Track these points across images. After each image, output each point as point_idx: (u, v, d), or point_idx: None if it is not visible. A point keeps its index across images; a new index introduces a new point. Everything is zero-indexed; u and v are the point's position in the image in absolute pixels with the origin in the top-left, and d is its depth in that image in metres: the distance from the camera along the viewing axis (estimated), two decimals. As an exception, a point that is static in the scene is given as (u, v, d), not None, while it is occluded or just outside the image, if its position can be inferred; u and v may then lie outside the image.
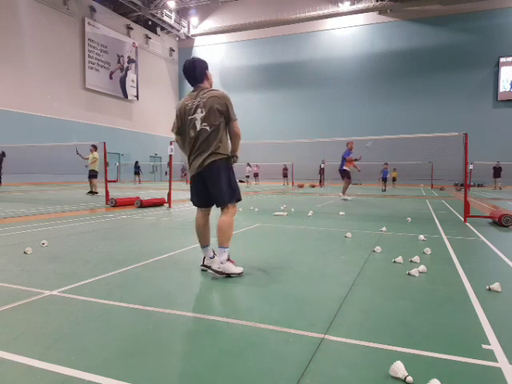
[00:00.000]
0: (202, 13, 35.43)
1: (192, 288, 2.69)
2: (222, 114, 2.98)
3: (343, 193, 11.88)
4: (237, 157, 3.11)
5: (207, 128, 2.97)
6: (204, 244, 3.16)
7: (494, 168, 23.28)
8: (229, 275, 2.93)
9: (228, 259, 2.97)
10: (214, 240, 3.18)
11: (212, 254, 3.13)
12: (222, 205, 3.04)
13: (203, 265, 3.12)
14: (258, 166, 25.78)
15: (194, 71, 3.08)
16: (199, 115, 2.99)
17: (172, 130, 3.20)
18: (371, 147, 11.66)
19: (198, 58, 3.16)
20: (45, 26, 24.09)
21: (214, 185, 2.99)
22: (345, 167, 11.68)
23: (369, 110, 30.65)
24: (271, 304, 2.37)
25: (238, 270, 2.99)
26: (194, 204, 3.19)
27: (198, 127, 2.99)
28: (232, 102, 3.04)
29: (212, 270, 2.99)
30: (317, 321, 2.09)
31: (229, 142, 3.09)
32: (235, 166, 3.20)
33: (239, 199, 3.12)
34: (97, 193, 12.54)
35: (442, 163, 23.64)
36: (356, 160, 11.67)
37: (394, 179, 24.56)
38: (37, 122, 23.32)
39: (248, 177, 24.67)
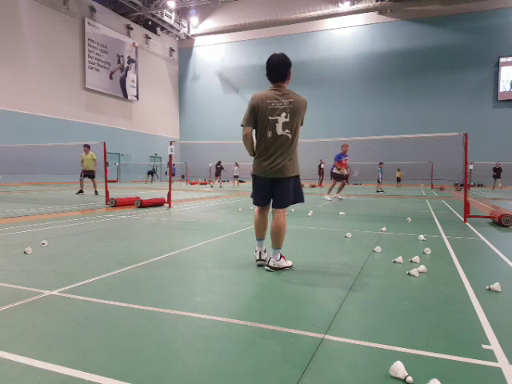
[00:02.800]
0: (201, 13, 35.43)
1: (192, 288, 2.69)
2: (300, 120, 3.01)
3: (337, 192, 11.89)
4: None
5: (288, 135, 2.96)
6: (261, 237, 3.26)
7: (494, 169, 23.29)
8: (283, 268, 3.11)
9: (281, 256, 3.14)
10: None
11: (265, 247, 3.28)
12: (282, 208, 3.14)
13: (260, 259, 3.24)
14: None
15: (283, 68, 2.97)
16: (282, 119, 2.92)
17: (243, 124, 3.09)
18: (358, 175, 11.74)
19: (286, 55, 3.02)
20: (45, 26, 24.09)
21: (281, 191, 3.07)
22: (334, 170, 11.65)
23: (369, 109, 30.66)
24: (271, 304, 2.37)
25: (289, 263, 3.20)
26: (255, 203, 3.25)
27: (279, 132, 2.95)
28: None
29: (269, 266, 3.10)
30: (317, 321, 2.09)
31: (296, 159, 3.10)
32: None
33: (301, 201, 3.26)
34: (82, 191, 12.55)
35: (442, 163, 23.67)
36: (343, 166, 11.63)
37: (398, 179, 24.59)
38: (37, 122, 23.32)
39: (236, 177, 24.49)
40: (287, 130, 2.93)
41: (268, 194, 3.12)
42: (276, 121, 2.93)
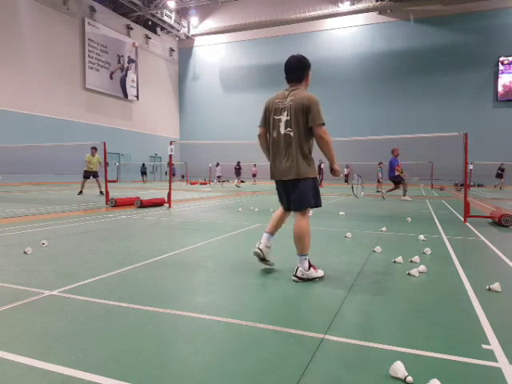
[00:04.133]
0: (202, 13, 35.43)
1: (192, 288, 2.69)
2: (306, 119, 2.83)
3: (404, 195, 12.18)
4: (333, 169, 2.98)
5: (290, 133, 2.87)
6: (269, 230, 3.13)
7: (499, 169, 23.32)
8: (313, 279, 2.87)
9: (310, 265, 2.89)
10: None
11: (266, 242, 3.11)
12: (300, 210, 2.96)
13: (259, 248, 3.07)
14: (256, 166, 25.79)
15: (297, 69, 2.94)
16: (284, 118, 2.89)
17: (259, 125, 3.12)
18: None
19: (305, 56, 2.98)
20: (45, 26, 24.09)
21: (296, 194, 2.93)
22: (397, 173, 12.13)
23: (368, 109, 30.65)
24: (271, 304, 2.37)
25: (321, 273, 2.93)
26: (280, 201, 3.19)
27: (282, 131, 2.91)
28: (320, 106, 2.85)
29: (295, 276, 2.86)
30: (317, 321, 2.08)
31: (310, 157, 2.95)
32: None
33: (319, 206, 3.04)
34: (81, 192, 12.55)
35: (442, 163, 23.65)
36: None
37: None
38: (37, 122, 23.32)
39: (219, 177, 24.65)
40: (289, 129, 2.88)
41: (285, 197, 3.05)
42: (280, 120, 2.92)
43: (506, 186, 23.94)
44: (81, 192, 12.54)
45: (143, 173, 28.88)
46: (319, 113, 2.81)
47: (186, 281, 2.87)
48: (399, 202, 11.47)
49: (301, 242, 2.87)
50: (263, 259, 3.11)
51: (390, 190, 12.47)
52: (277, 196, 3.21)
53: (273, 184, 3.32)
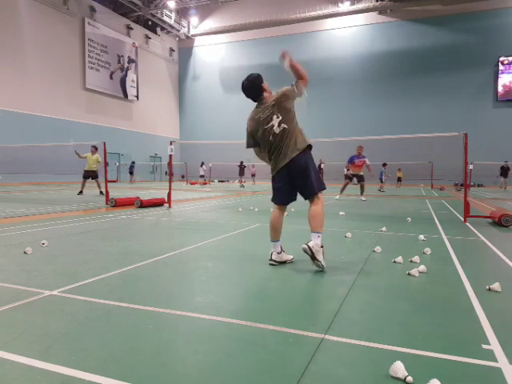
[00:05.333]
0: (202, 13, 35.43)
1: (192, 288, 2.69)
2: (291, 102, 3.19)
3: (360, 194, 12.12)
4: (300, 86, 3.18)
5: (285, 127, 3.16)
6: (276, 238, 3.32)
7: (502, 168, 23.27)
8: (315, 259, 3.02)
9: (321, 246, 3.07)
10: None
11: (280, 249, 3.32)
12: (312, 195, 3.20)
13: (271, 259, 3.28)
14: (255, 166, 25.78)
15: (252, 91, 3.29)
16: (276, 121, 3.16)
17: (247, 147, 3.43)
18: None
19: (253, 77, 3.30)
20: (45, 26, 24.09)
21: (302, 176, 3.15)
22: (346, 171, 12.08)
23: (368, 109, 30.65)
24: (271, 304, 2.37)
25: (323, 260, 3.08)
26: (276, 203, 3.37)
27: (277, 131, 3.16)
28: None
29: (307, 245, 3.00)
30: (317, 321, 2.09)
31: (303, 133, 3.25)
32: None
33: (324, 188, 3.27)
34: (82, 192, 12.53)
35: (442, 163, 23.65)
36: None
37: (399, 179, 24.68)
38: (37, 122, 23.32)
39: (202, 176, 24.79)
40: (283, 125, 3.15)
41: (288, 191, 3.26)
42: (272, 126, 3.18)
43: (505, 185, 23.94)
44: (81, 192, 12.54)
45: (131, 172, 27.95)
46: (294, 87, 3.19)
47: (186, 281, 2.87)
48: (399, 202, 11.46)
49: (321, 219, 3.15)
50: (280, 262, 3.32)
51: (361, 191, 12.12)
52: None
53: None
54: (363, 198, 11.57)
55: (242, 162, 23.40)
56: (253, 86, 3.27)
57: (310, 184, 3.15)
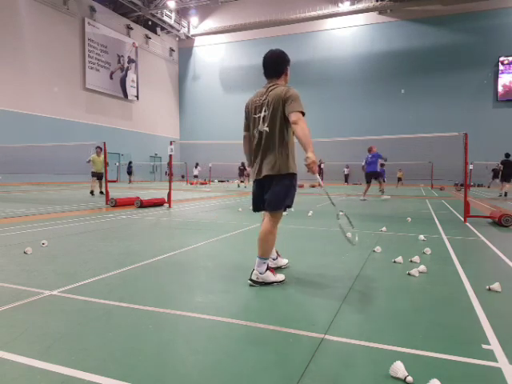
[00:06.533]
0: (202, 13, 35.42)
1: (192, 288, 2.69)
2: (283, 111, 2.67)
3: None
4: (308, 157, 2.58)
5: (267, 129, 2.74)
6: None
7: (504, 167, 23.18)
8: (270, 283, 2.74)
9: (267, 269, 2.77)
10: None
11: (275, 254, 3.14)
12: (268, 210, 2.81)
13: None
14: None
15: (274, 63, 2.82)
16: (262, 114, 2.76)
17: (244, 130, 3.00)
18: None
19: (282, 53, 2.85)
20: (45, 26, 24.08)
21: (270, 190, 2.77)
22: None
23: (368, 110, 30.65)
24: (271, 304, 2.37)
25: (280, 277, 2.80)
26: (253, 210, 3.00)
27: (261, 128, 2.77)
28: (299, 98, 2.67)
29: (250, 280, 2.73)
30: (317, 321, 2.09)
31: (291, 149, 2.78)
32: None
33: (280, 209, 2.82)
34: (93, 193, 12.44)
35: (442, 163, 23.64)
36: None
37: (399, 179, 24.73)
38: (37, 122, 23.32)
39: (196, 176, 25.02)
40: (266, 124, 2.74)
41: (258, 198, 2.87)
42: (259, 118, 2.79)
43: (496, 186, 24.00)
44: (92, 192, 12.30)
45: (129, 173, 27.34)
46: (297, 102, 2.64)
47: (186, 281, 2.87)
48: (399, 202, 11.47)
49: (262, 244, 2.74)
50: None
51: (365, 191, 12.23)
52: None
53: None
54: (383, 197, 11.76)
55: (242, 163, 23.63)
56: (276, 62, 2.82)
57: (271, 201, 2.75)
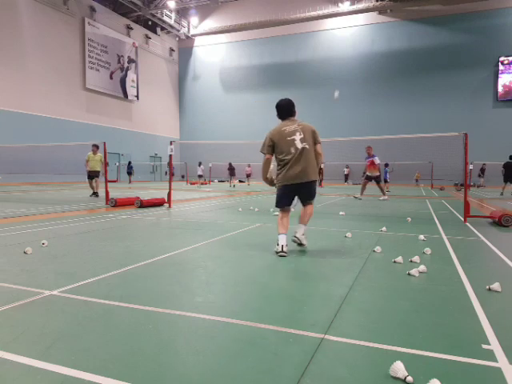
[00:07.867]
0: (201, 13, 35.43)
1: (192, 288, 2.69)
2: (313, 138, 3.94)
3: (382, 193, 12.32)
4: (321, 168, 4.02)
5: (307, 146, 3.85)
6: (285, 231, 3.83)
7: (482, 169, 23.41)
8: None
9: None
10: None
11: (286, 241, 3.81)
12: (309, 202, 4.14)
13: (282, 251, 3.70)
14: (251, 166, 25.77)
15: (289, 109, 4.01)
16: (298, 137, 3.83)
17: (263, 151, 4.00)
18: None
19: (290, 100, 4.07)
20: (45, 26, 24.09)
21: (308, 191, 4.03)
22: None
23: (368, 109, 30.66)
24: (271, 304, 2.37)
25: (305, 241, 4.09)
26: (281, 207, 4.02)
27: (299, 146, 3.82)
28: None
29: (296, 237, 3.98)
30: (317, 321, 2.08)
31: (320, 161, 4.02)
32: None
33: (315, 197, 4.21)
34: (97, 194, 12.14)
35: (442, 163, 23.65)
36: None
37: (416, 180, 25.15)
38: (37, 122, 23.32)
39: (201, 176, 25.25)
40: (305, 143, 3.82)
41: (293, 197, 4.04)
42: (294, 139, 3.82)
43: (490, 185, 24.06)
44: (96, 194, 11.77)
45: (129, 173, 27.10)
46: (319, 136, 4.05)
47: (186, 281, 2.87)
48: (399, 202, 11.47)
49: (310, 218, 4.08)
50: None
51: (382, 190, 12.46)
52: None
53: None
54: (381, 198, 11.81)
55: (230, 164, 23.86)
56: (291, 105, 4.02)
57: (312, 195, 4.06)
